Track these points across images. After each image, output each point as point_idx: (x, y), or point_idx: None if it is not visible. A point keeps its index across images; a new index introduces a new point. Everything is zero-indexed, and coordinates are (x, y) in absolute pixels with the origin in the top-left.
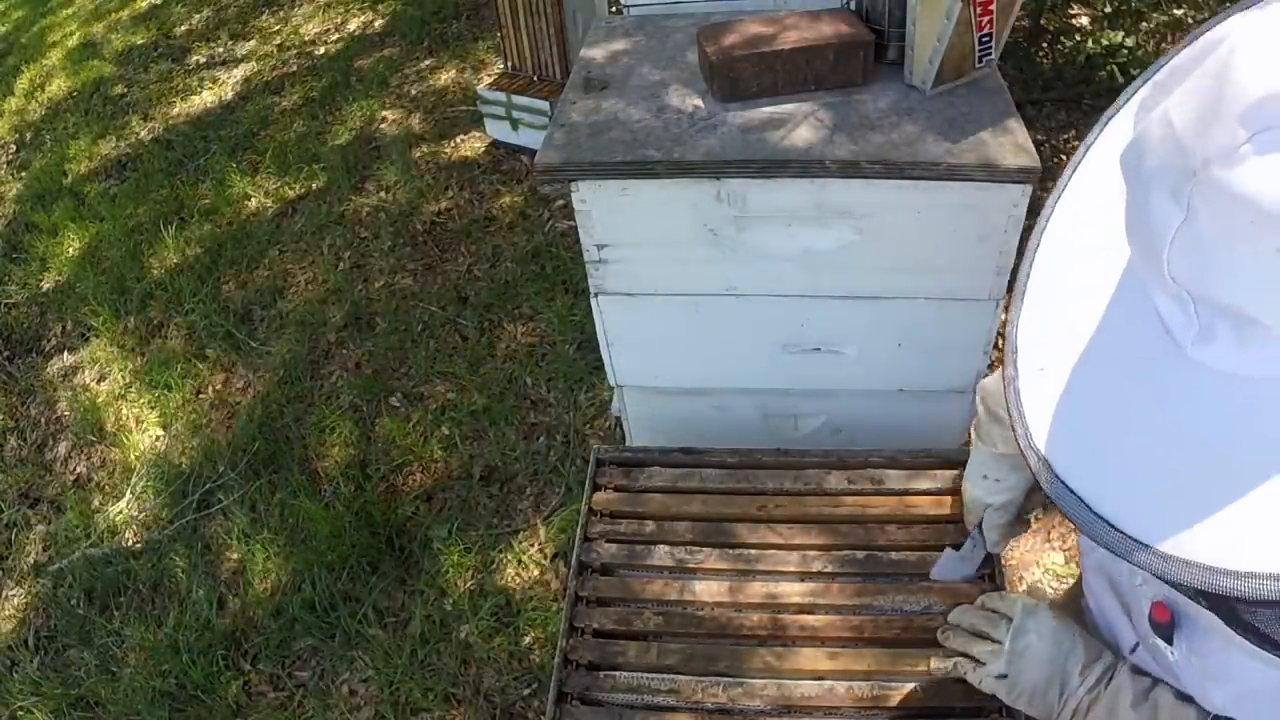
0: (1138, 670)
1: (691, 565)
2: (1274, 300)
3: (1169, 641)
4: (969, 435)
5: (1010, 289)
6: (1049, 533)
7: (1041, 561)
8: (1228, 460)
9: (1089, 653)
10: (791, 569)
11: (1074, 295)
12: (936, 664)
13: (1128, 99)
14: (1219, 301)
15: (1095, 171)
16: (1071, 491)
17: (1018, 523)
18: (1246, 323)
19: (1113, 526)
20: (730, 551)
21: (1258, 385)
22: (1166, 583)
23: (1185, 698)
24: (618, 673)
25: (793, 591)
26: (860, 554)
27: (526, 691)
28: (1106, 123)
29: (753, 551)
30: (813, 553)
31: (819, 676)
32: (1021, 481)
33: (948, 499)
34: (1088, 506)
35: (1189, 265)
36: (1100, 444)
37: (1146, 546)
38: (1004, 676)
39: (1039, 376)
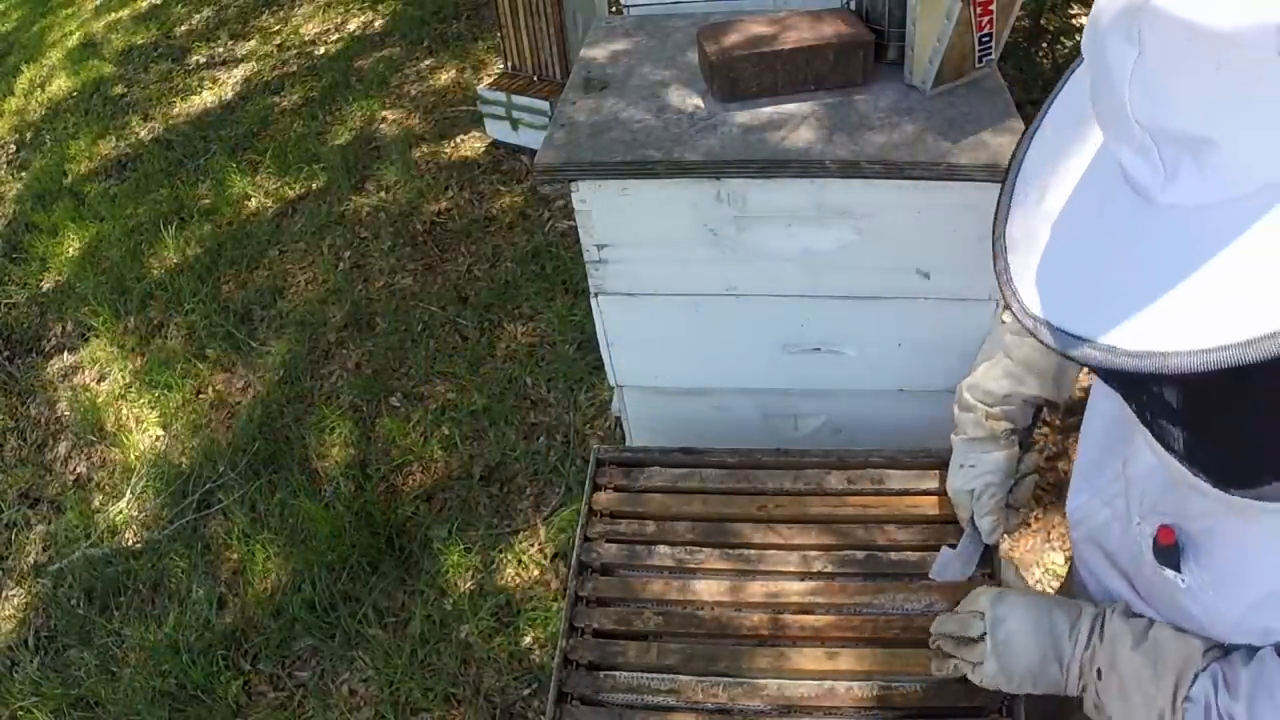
0: (1130, 614)
1: (692, 565)
2: (1219, 117)
3: (1176, 569)
4: None
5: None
6: (1049, 532)
7: (1042, 561)
8: (1188, 272)
9: (1069, 613)
10: (792, 569)
11: (1055, 198)
12: (936, 666)
13: None
14: (1175, 130)
15: (1073, 97)
16: (1063, 331)
17: (1010, 513)
18: (1203, 147)
19: (1101, 346)
20: (730, 551)
21: (1217, 209)
22: (1135, 381)
23: (1184, 631)
24: (618, 673)
25: (793, 591)
26: (860, 554)
27: (526, 691)
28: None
29: (753, 552)
30: (813, 553)
31: (819, 676)
32: (995, 463)
33: (948, 499)
34: (1069, 333)
35: (1147, 100)
36: (1076, 287)
37: (1124, 349)
38: (999, 671)
39: (1026, 259)
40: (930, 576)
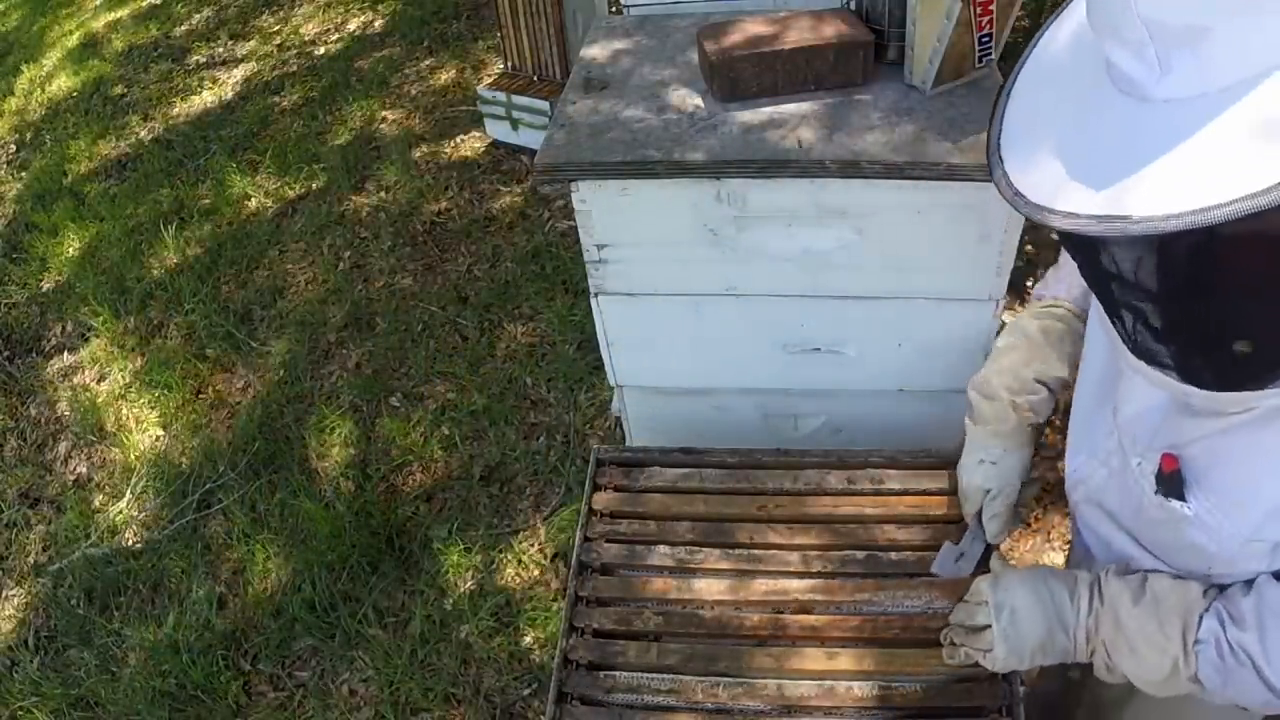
0: (1125, 572)
1: (692, 565)
2: (1219, 5)
3: (1182, 498)
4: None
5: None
6: (1049, 533)
7: (1041, 561)
8: (1163, 151)
9: (1066, 581)
10: (792, 569)
11: (1047, 102)
12: (948, 654)
13: None
14: (1175, 23)
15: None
16: (1037, 204)
17: (1015, 513)
18: (1200, 37)
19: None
20: (730, 551)
21: (1201, 99)
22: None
23: (1180, 578)
24: (618, 673)
25: (793, 591)
26: (860, 554)
27: (526, 691)
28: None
29: (753, 552)
30: (813, 553)
31: (819, 676)
32: (1017, 463)
33: (948, 499)
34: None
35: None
36: (1060, 168)
37: (1118, 216)
38: (1009, 654)
39: (1014, 147)
40: (932, 570)
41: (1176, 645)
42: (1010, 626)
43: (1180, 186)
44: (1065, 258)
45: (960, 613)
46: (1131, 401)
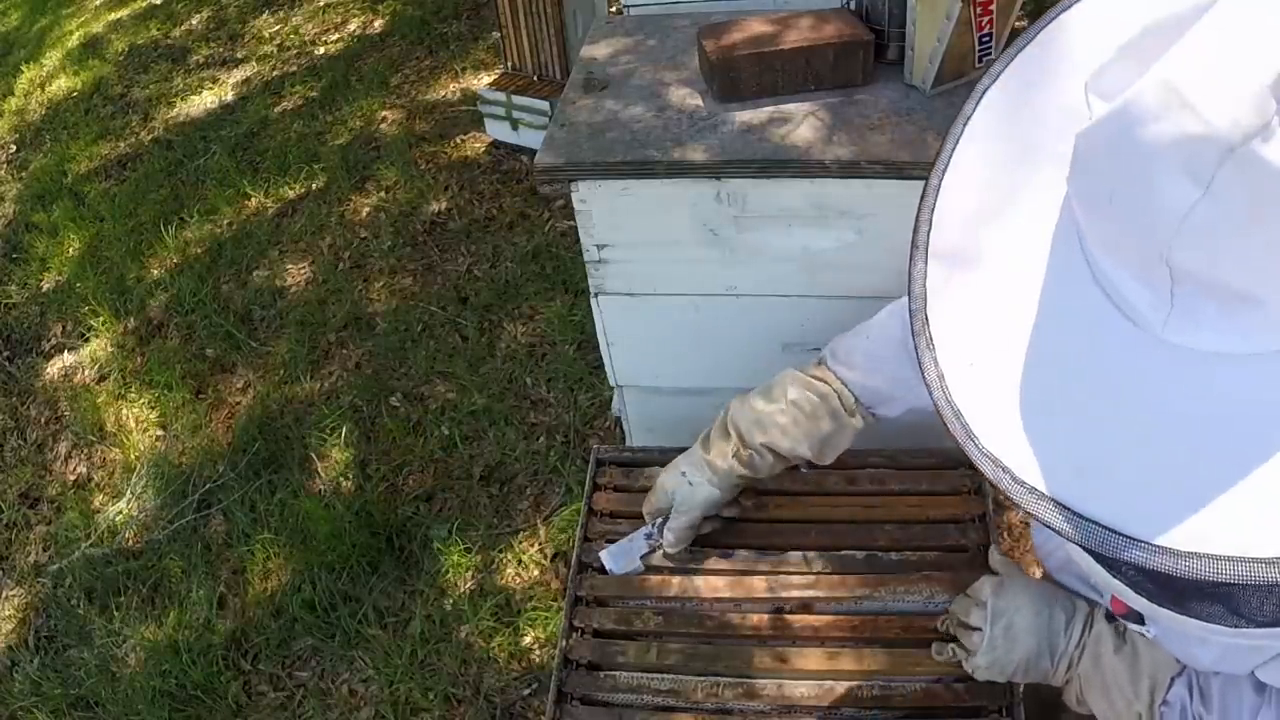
0: (1112, 617)
1: (691, 565)
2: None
3: (1140, 623)
4: None
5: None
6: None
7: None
8: (1221, 444)
9: (1066, 608)
10: (792, 569)
11: (989, 269)
12: (936, 650)
13: (1005, 65)
14: (1216, 281)
15: (988, 131)
16: (1052, 500)
17: (696, 529)
18: (1239, 301)
19: (1104, 528)
20: (730, 551)
21: (1243, 362)
22: (1146, 574)
23: None
24: (618, 673)
25: (793, 591)
26: (860, 554)
27: (526, 691)
28: (983, 94)
29: (753, 552)
30: (813, 553)
31: (819, 676)
32: (708, 498)
33: (948, 499)
34: (1075, 513)
35: (1197, 250)
36: (1065, 444)
37: (1148, 544)
38: (992, 664)
39: (970, 373)
40: (601, 558)
41: (1144, 701)
42: (1002, 638)
43: (1269, 512)
44: (879, 339)
45: (959, 604)
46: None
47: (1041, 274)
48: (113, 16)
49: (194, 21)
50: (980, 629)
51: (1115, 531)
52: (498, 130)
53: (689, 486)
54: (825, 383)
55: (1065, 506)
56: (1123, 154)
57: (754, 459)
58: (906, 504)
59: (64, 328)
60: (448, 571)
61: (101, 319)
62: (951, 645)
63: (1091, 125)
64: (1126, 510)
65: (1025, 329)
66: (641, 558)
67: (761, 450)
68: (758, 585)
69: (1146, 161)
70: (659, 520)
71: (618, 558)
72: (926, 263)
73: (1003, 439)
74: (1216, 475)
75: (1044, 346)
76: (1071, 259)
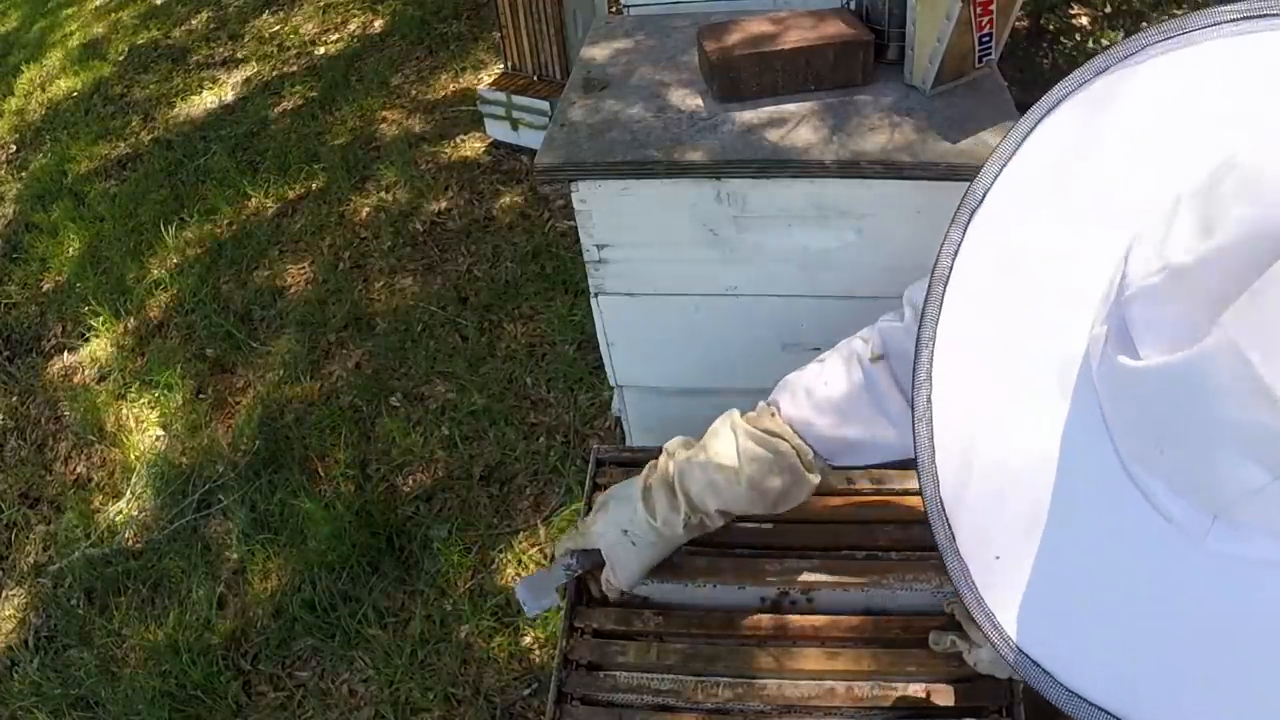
0: None
1: (691, 565)
2: None
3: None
4: None
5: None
6: None
7: None
8: (1269, 651)
9: None
10: (794, 560)
11: (1005, 446)
12: (934, 638)
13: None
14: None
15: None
16: (1088, 702)
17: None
18: None
19: None
20: (730, 551)
21: None
22: None
23: None
24: (618, 673)
25: (793, 591)
26: (860, 554)
27: (526, 691)
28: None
29: (752, 551)
30: (813, 552)
31: (819, 676)
32: (659, 556)
33: None
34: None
35: (1263, 515)
36: (1102, 643)
37: None
38: (996, 660)
39: (995, 565)
40: (517, 594)
41: None
42: None
43: None
44: (840, 385)
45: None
46: None
47: (1057, 443)
48: (113, 17)
49: (194, 21)
50: None
51: None
52: (498, 130)
53: (631, 547)
54: (782, 439)
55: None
56: (1182, 414)
57: (704, 523)
58: (906, 504)
59: (64, 328)
60: (448, 571)
61: (101, 319)
62: (952, 636)
63: (1146, 367)
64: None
65: (1046, 514)
66: (558, 589)
67: (714, 515)
68: (760, 576)
69: (1211, 435)
70: (575, 556)
71: (534, 590)
72: (935, 465)
73: (1043, 644)
74: (1271, 686)
75: (1072, 539)
76: (1095, 441)
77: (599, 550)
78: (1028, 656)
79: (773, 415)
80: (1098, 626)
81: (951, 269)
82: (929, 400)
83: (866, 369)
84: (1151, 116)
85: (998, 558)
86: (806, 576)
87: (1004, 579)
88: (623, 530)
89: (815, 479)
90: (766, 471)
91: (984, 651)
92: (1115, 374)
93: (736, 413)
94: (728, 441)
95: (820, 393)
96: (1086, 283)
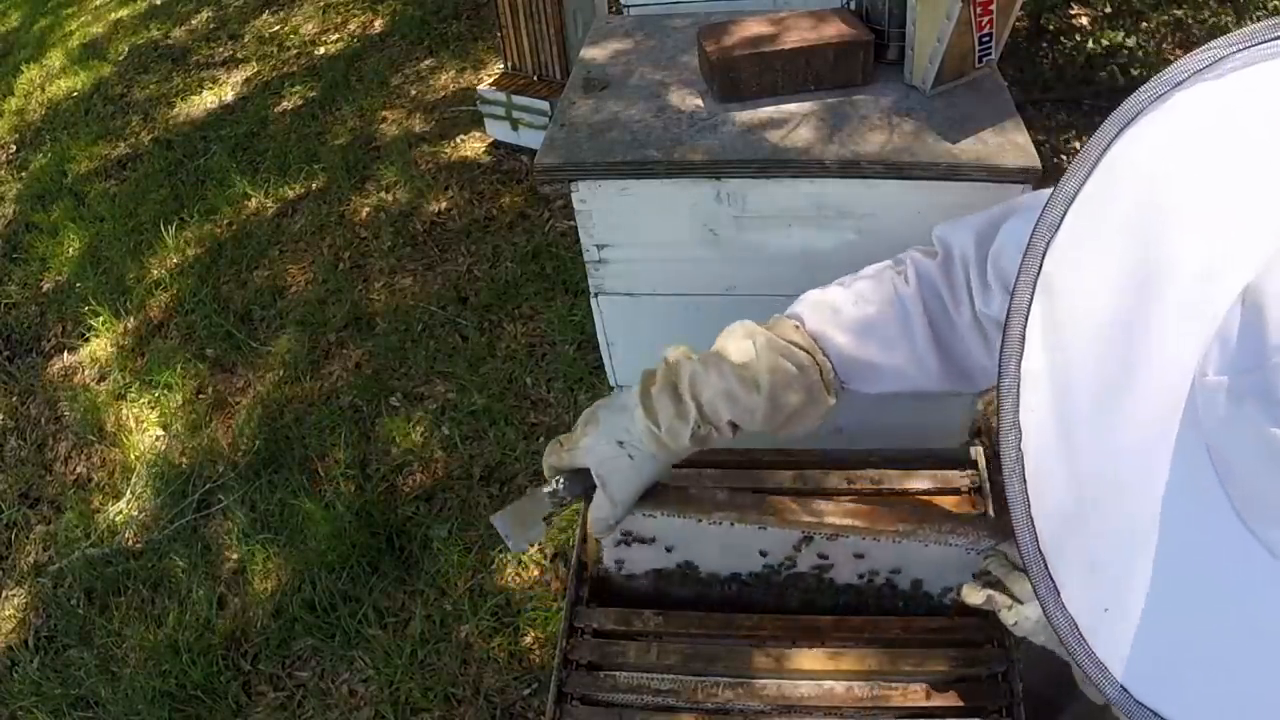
0: None
1: (710, 497)
2: None
3: None
4: (967, 435)
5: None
6: None
7: None
8: None
9: None
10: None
11: (1100, 493)
12: (969, 591)
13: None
14: None
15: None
16: None
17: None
18: None
19: None
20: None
21: None
22: None
23: None
24: (618, 673)
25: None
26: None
27: (526, 691)
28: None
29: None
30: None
31: (819, 676)
32: (658, 472)
33: (948, 499)
34: None
35: None
36: (1228, 700)
37: None
38: (1040, 621)
39: (1105, 618)
40: (492, 520)
41: None
42: None
43: None
44: (872, 301)
45: (1013, 547)
46: None
47: (1160, 497)
48: (113, 17)
49: (194, 21)
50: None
51: None
52: (498, 130)
53: (628, 461)
54: (806, 352)
55: None
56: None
57: (712, 435)
58: (909, 502)
59: (64, 328)
60: (448, 571)
61: (101, 319)
62: (991, 591)
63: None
64: None
65: (1153, 560)
66: (545, 519)
67: (725, 428)
68: (783, 515)
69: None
70: (561, 479)
71: (517, 521)
72: (1033, 518)
73: (1161, 698)
74: None
75: (1183, 584)
76: (1206, 493)
77: (588, 471)
78: (1144, 706)
79: (796, 328)
80: (1217, 680)
81: (1040, 267)
82: (1018, 450)
83: (901, 292)
84: None
85: (1106, 610)
86: (834, 520)
87: (1113, 630)
88: (618, 442)
89: (831, 401)
90: (786, 385)
91: (1029, 609)
92: (1251, 440)
93: (751, 322)
94: (746, 350)
95: (849, 311)
96: (1186, 296)
